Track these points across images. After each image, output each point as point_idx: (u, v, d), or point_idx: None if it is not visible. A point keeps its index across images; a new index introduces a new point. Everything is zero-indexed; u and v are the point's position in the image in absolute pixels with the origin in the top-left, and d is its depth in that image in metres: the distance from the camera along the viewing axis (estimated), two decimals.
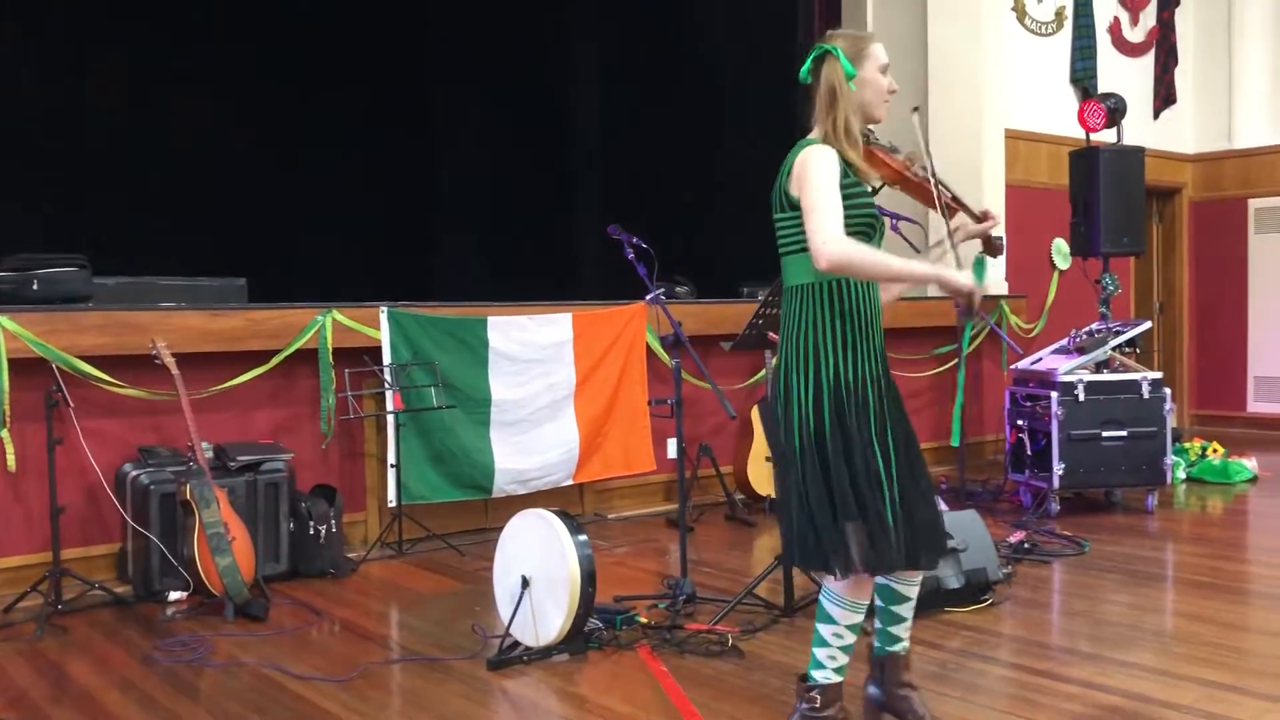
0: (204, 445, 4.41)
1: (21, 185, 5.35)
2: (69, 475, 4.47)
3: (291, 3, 6.31)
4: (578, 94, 7.65)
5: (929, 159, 2.83)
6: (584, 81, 7.65)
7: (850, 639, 2.76)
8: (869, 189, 2.74)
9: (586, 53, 7.63)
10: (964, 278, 2.66)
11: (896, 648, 2.90)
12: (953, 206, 2.93)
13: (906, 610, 2.88)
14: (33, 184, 5.42)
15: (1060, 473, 5.74)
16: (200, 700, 3.32)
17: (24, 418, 4.39)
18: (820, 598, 2.76)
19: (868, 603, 2.75)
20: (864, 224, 2.67)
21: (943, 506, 4.40)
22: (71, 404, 4.39)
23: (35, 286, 4.51)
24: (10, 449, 4.35)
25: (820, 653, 2.76)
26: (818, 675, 2.76)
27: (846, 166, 2.68)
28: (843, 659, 2.77)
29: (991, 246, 2.98)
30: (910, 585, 2.86)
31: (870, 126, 2.83)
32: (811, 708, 2.77)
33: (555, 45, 7.47)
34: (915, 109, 3.05)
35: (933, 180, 2.84)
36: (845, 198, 2.63)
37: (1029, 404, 5.97)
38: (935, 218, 2.88)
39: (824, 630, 2.74)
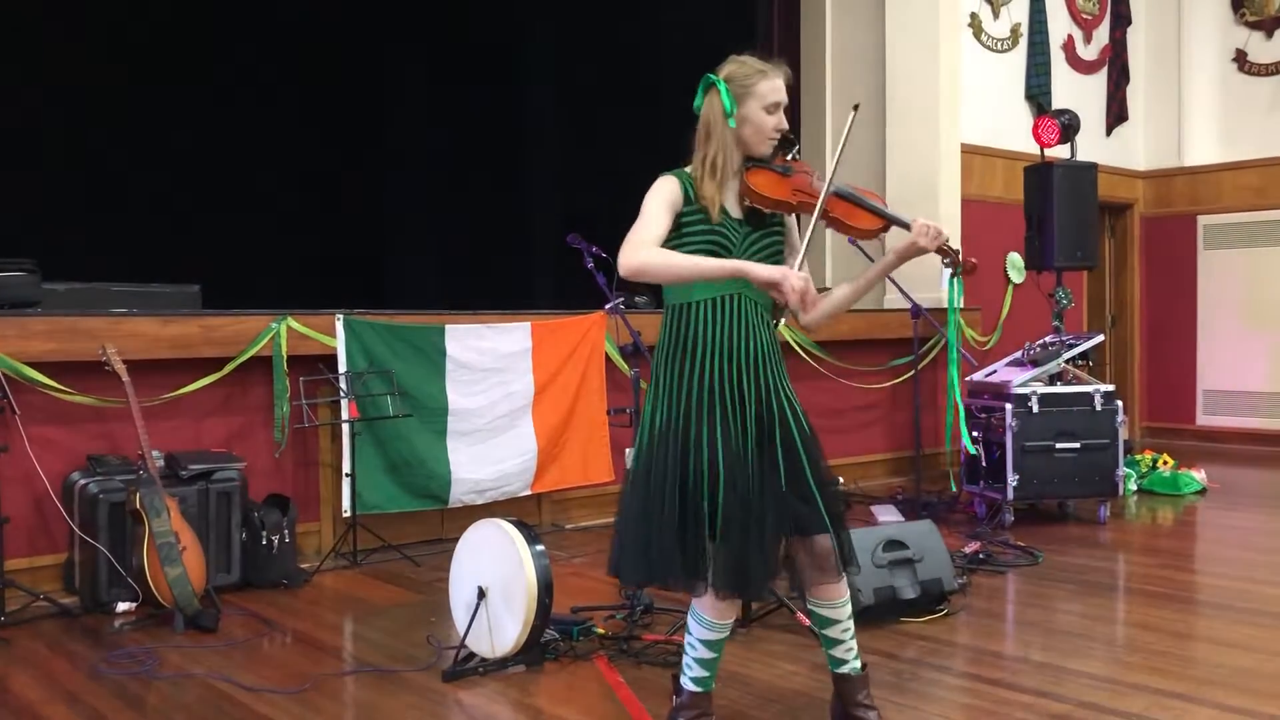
0: (155, 453, 4.33)
1: None
2: (14, 484, 4.38)
3: (243, 10, 6.26)
4: (534, 100, 7.65)
5: (834, 169, 2.69)
6: (540, 87, 7.65)
7: (707, 654, 2.80)
8: (715, 223, 2.67)
9: (542, 60, 7.63)
10: (767, 271, 2.57)
11: (843, 669, 2.88)
12: (854, 225, 2.75)
13: (837, 632, 2.84)
14: None
15: (1014, 484, 5.79)
16: (148, 713, 3.26)
17: None
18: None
19: (726, 624, 2.78)
20: (702, 253, 2.64)
21: (886, 528, 4.41)
22: (18, 411, 4.30)
23: None
24: None
25: (683, 659, 2.86)
26: (682, 679, 2.87)
27: (695, 199, 2.67)
28: (700, 671, 2.82)
29: (953, 262, 2.79)
30: (827, 607, 2.81)
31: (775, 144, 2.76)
32: (676, 704, 2.90)
33: (510, 52, 7.46)
34: (856, 106, 2.85)
35: (823, 190, 2.68)
36: (683, 228, 2.66)
37: (984, 416, 6.03)
38: (896, 234, 2.83)
39: (685, 639, 2.84)
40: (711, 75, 2.73)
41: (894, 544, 4.11)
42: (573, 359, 5.85)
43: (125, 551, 4.29)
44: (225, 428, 5.00)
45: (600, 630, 3.84)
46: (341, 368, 5.08)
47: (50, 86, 5.60)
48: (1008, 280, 8.32)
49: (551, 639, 3.68)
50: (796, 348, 6.76)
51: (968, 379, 6.40)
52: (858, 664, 2.90)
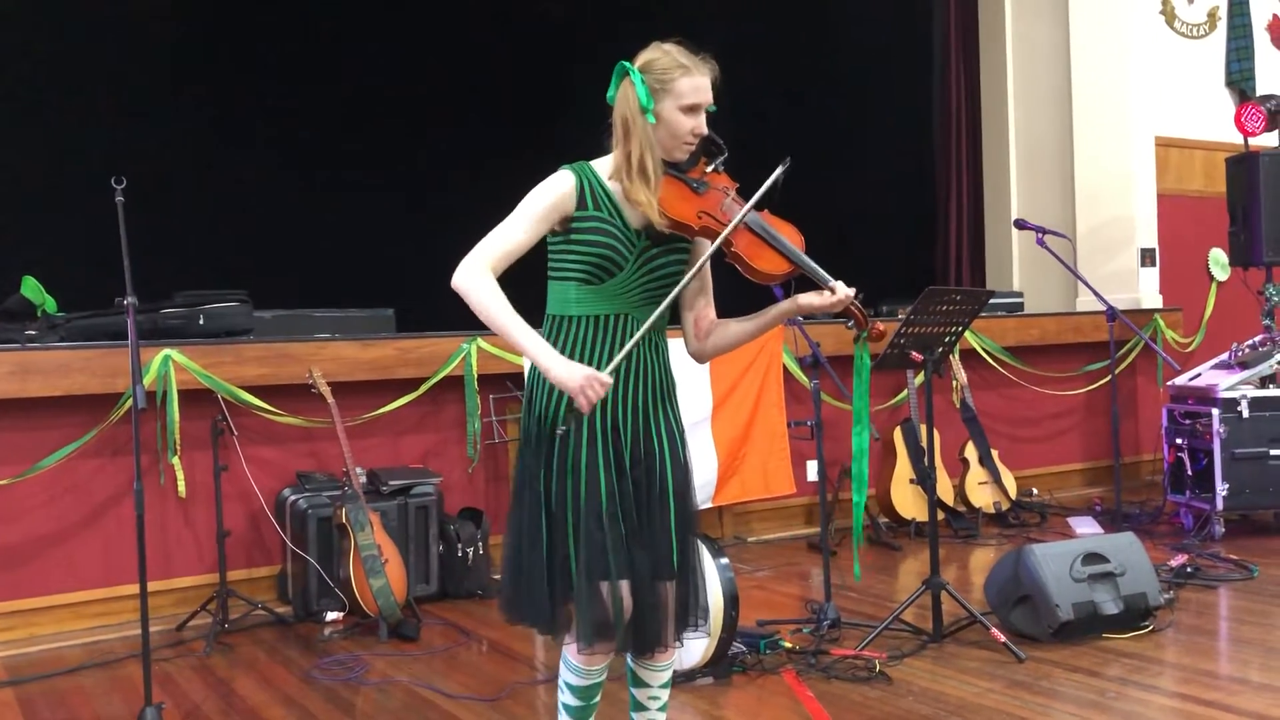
0: (358, 470, 4.56)
1: (187, 226, 5.67)
2: (233, 500, 4.69)
3: (435, 35, 6.52)
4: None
5: (754, 198, 2.37)
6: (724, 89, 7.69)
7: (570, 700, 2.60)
8: (619, 229, 2.37)
9: (725, 57, 7.65)
10: (561, 371, 2.27)
11: None
12: (756, 266, 2.39)
13: (643, 696, 2.66)
14: (198, 225, 5.74)
15: (1224, 494, 5.46)
16: (357, 717, 3.44)
17: (192, 446, 4.63)
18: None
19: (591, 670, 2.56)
20: (590, 266, 2.36)
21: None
22: (235, 432, 4.62)
23: (201, 321, 4.76)
24: (181, 476, 4.59)
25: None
26: None
27: (592, 202, 2.37)
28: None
29: (859, 323, 2.44)
30: (645, 668, 2.61)
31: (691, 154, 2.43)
32: None
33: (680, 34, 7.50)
34: (788, 160, 2.42)
35: (735, 217, 2.35)
36: (572, 233, 2.36)
37: (1188, 422, 5.71)
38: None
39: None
40: (625, 63, 2.37)
41: (1094, 557, 3.94)
42: (750, 371, 5.84)
43: (333, 563, 4.54)
44: (421, 445, 5.22)
45: (788, 644, 3.83)
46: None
47: (243, 135, 5.95)
48: (1211, 278, 7.86)
49: (739, 652, 3.69)
50: (983, 354, 6.56)
51: (1170, 383, 6.08)
52: None
